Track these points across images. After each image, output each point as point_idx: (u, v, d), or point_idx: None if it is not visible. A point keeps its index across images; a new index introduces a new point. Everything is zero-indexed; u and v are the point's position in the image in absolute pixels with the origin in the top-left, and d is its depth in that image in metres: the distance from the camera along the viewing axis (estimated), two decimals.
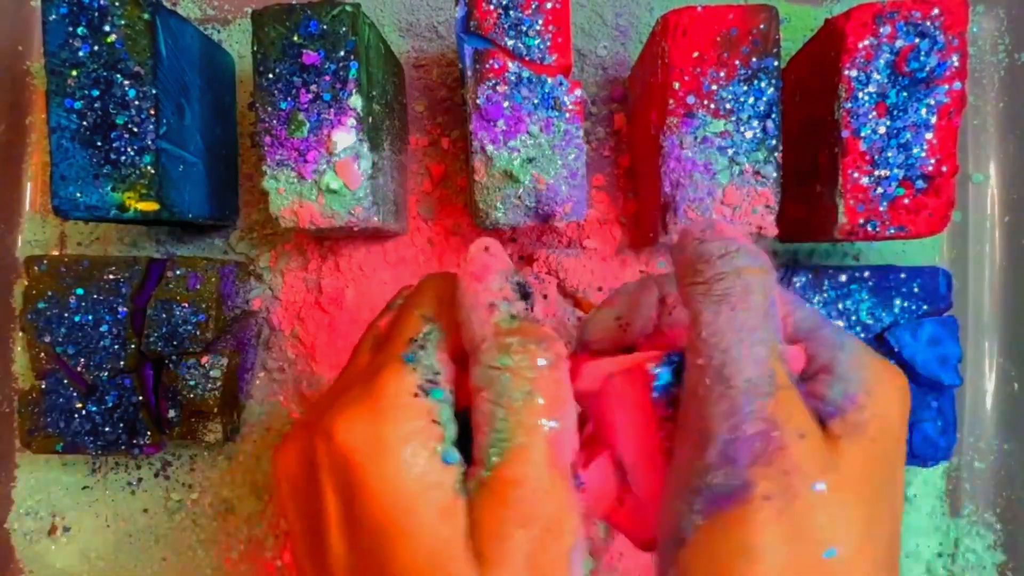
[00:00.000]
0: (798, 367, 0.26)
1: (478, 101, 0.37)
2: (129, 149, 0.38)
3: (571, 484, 0.23)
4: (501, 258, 0.25)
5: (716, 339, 0.23)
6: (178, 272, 0.42)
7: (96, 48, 0.38)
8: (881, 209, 0.38)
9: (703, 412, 0.23)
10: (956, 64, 0.37)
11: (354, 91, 0.38)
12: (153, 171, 0.39)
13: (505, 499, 0.22)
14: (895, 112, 0.37)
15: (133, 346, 0.42)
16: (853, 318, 0.41)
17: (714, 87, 0.37)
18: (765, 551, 0.22)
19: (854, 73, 0.37)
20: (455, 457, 0.24)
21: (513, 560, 0.22)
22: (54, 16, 0.38)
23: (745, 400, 0.22)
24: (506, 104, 0.37)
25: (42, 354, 0.42)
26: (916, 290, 0.41)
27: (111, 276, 0.42)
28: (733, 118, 0.38)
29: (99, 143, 0.38)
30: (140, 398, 0.42)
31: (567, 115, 0.38)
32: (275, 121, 0.38)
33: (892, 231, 0.38)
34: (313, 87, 0.38)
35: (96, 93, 0.38)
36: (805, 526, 0.22)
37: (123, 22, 0.38)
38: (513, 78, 0.37)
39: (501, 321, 0.24)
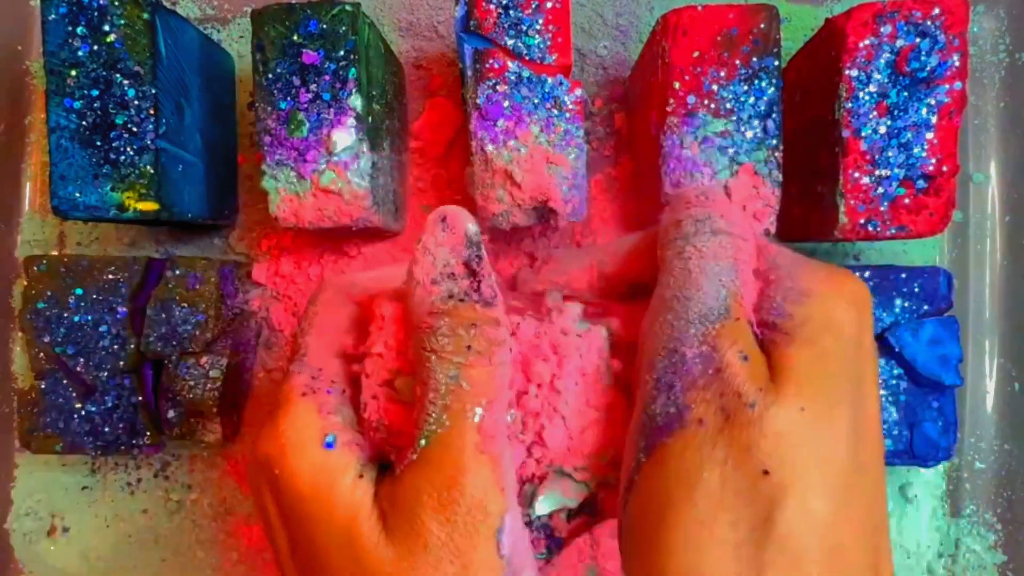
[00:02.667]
0: None
1: (478, 101, 0.37)
2: (128, 149, 0.38)
3: (501, 467, 0.23)
4: (457, 230, 0.25)
5: (681, 279, 0.24)
6: (178, 272, 0.42)
7: (96, 48, 0.38)
8: (882, 209, 0.38)
9: (652, 345, 0.24)
10: (957, 64, 0.37)
11: (354, 91, 0.38)
12: (152, 171, 0.38)
13: (426, 482, 0.23)
14: (896, 112, 0.37)
15: (132, 346, 0.42)
16: None
17: (714, 87, 0.37)
18: (700, 477, 0.21)
19: (854, 73, 0.37)
20: (332, 442, 0.24)
21: (427, 542, 0.22)
22: (54, 16, 0.38)
23: (690, 326, 0.23)
24: (506, 104, 0.37)
25: (41, 354, 0.42)
26: (916, 290, 0.41)
27: (111, 276, 0.42)
28: (733, 118, 0.37)
29: (98, 143, 0.38)
30: (140, 398, 0.42)
31: (567, 115, 0.38)
32: (275, 121, 0.38)
33: (893, 231, 0.38)
34: (313, 87, 0.38)
35: (96, 93, 0.38)
36: (741, 448, 0.21)
37: (123, 22, 0.38)
38: (513, 78, 0.37)
39: (437, 300, 0.24)
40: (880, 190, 0.37)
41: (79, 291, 0.41)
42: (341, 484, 0.24)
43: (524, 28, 0.37)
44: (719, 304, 0.23)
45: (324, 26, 0.38)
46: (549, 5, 0.37)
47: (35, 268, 0.42)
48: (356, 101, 0.38)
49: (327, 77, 0.38)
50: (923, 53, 0.36)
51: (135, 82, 0.38)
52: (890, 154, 0.37)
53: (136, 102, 0.38)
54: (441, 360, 0.23)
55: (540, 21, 0.37)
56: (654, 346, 0.24)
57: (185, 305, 0.42)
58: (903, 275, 0.41)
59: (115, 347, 0.42)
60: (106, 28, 0.38)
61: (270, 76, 0.38)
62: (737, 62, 0.37)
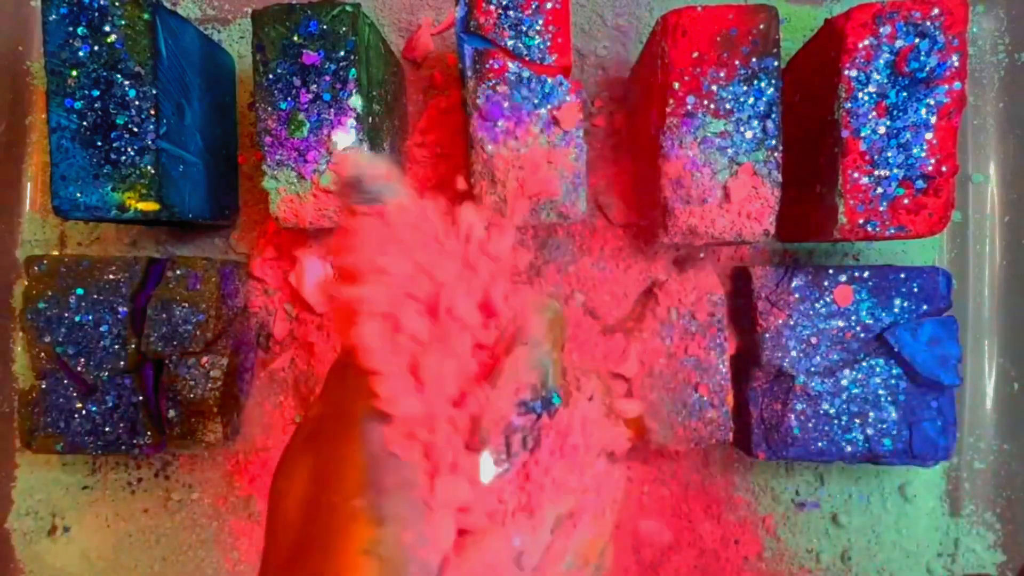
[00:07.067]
0: None
1: (478, 101, 0.37)
2: (129, 149, 0.38)
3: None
4: None
5: None
6: (178, 272, 0.42)
7: (96, 48, 0.38)
8: (881, 209, 0.38)
9: None
10: (956, 64, 0.37)
11: (354, 91, 0.38)
12: (153, 171, 0.39)
13: None
14: (895, 112, 0.37)
15: (133, 346, 0.42)
16: (853, 318, 0.41)
17: (714, 87, 0.37)
18: None
19: (854, 73, 0.37)
20: None
21: None
22: (54, 16, 0.38)
23: None
24: (506, 104, 0.37)
25: (42, 354, 0.42)
26: (916, 290, 0.41)
27: (111, 276, 0.42)
28: (733, 118, 0.38)
29: (99, 143, 0.38)
30: (140, 398, 0.42)
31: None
32: (275, 121, 0.38)
33: (892, 231, 0.38)
34: (313, 87, 0.38)
35: (96, 93, 0.38)
36: None
37: (123, 22, 0.38)
38: (513, 78, 0.37)
39: None
40: (879, 190, 0.37)
41: (80, 291, 0.42)
42: None
43: (524, 29, 0.37)
44: None
45: (324, 27, 0.38)
46: (549, 6, 0.37)
47: (36, 268, 0.42)
48: (356, 101, 0.38)
49: (327, 77, 0.38)
50: (922, 53, 0.37)
51: (136, 82, 0.38)
52: (889, 154, 0.37)
53: (137, 102, 0.38)
54: None
55: (540, 22, 0.37)
56: None
57: (186, 305, 0.42)
58: (902, 275, 0.41)
59: (116, 347, 0.42)
60: (107, 28, 0.38)
61: (271, 76, 0.38)
62: (737, 63, 0.37)
